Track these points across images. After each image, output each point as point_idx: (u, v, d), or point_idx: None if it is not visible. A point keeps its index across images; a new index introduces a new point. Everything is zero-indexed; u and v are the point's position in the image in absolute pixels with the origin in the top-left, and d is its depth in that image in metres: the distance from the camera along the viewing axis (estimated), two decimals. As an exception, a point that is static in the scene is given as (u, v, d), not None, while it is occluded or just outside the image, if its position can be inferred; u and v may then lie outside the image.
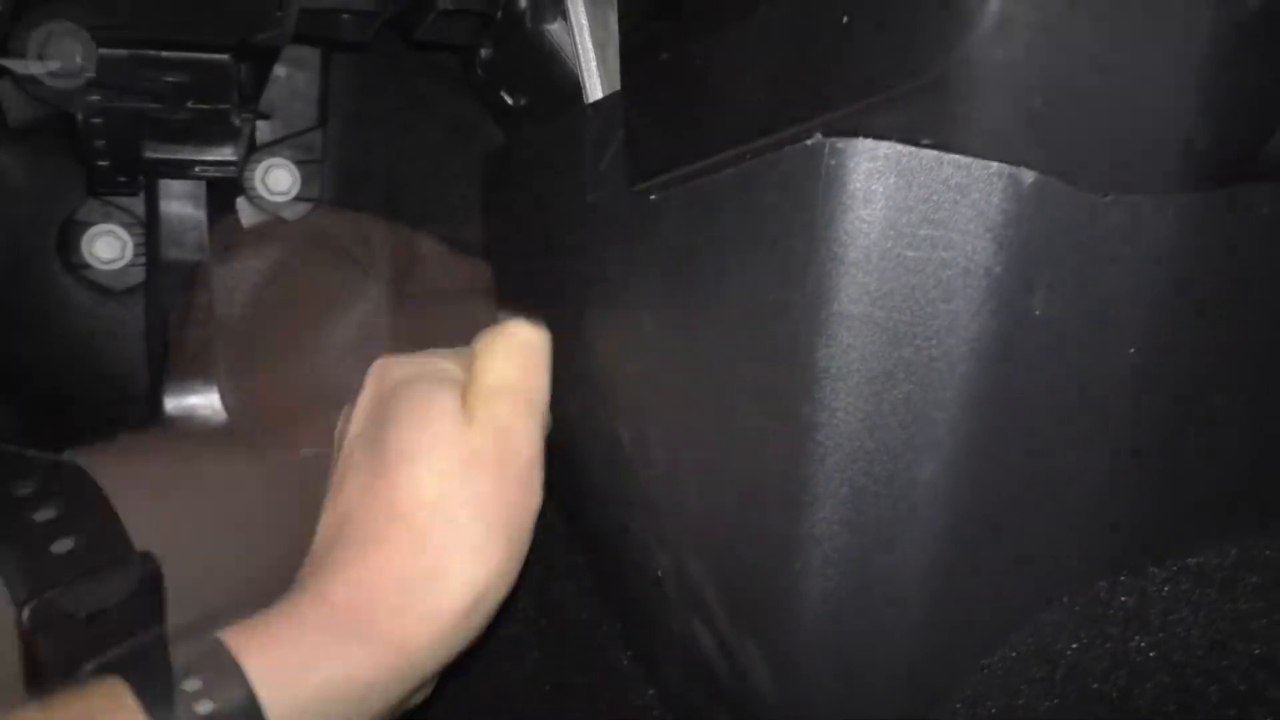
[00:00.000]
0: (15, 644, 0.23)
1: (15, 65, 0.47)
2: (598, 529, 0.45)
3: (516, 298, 0.50)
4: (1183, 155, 0.24)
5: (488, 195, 0.55)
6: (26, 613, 0.23)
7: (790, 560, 0.29)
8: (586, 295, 0.41)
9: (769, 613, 0.31)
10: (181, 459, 0.28)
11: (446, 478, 0.33)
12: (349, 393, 0.37)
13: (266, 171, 0.60)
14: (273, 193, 0.60)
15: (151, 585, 0.25)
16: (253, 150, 0.59)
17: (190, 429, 0.31)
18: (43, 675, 0.23)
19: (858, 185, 0.26)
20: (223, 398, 0.39)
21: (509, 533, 0.34)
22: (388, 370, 0.37)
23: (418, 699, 0.36)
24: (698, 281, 0.32)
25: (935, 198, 0.26)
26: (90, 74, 0.49)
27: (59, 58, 0.48)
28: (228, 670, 0.27)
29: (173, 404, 0.34)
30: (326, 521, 0.34)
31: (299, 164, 0.60)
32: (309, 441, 0.32)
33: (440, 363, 0.38)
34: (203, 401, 0.31)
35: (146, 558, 0.25)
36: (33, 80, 0.48)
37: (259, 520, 0.34)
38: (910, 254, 0.26)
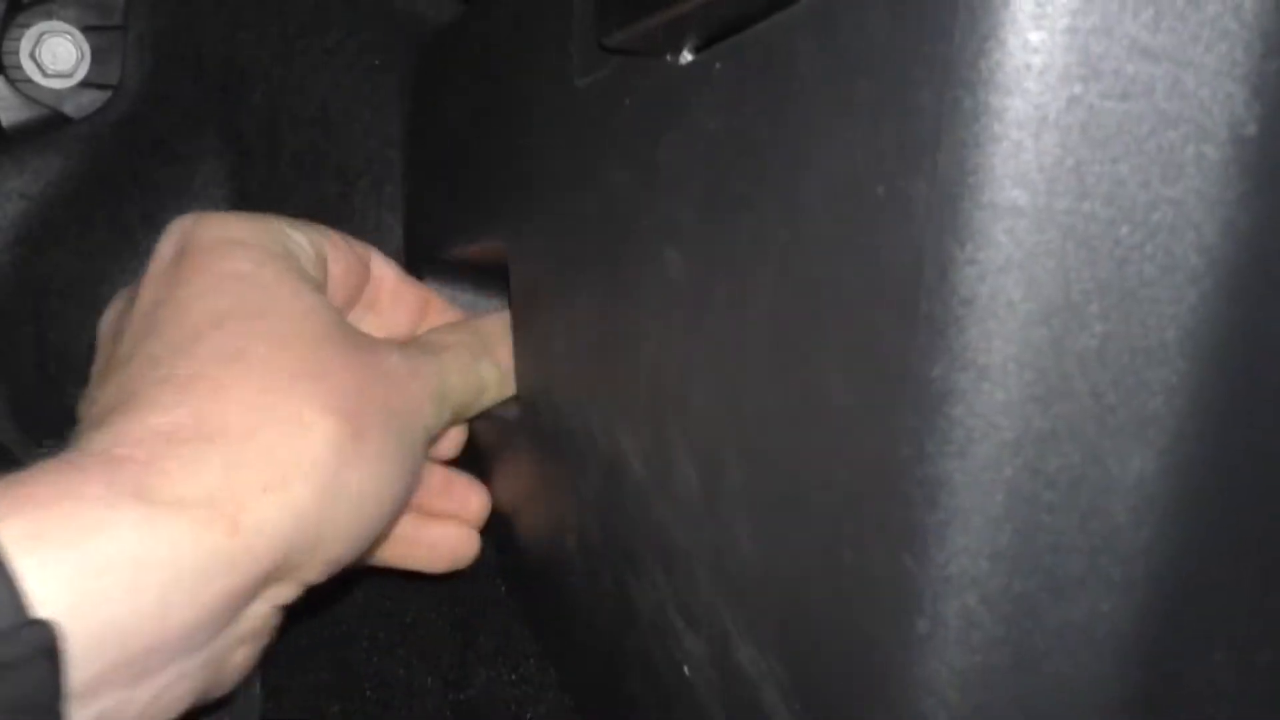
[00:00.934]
0: None
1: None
2: (566, 606, 0.40)
3: (455, 231, 0.46)
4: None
5: (417, 95, 0.49)
6: None
7: (913, 630, 0.21)
8: (570, 226, 0.36)
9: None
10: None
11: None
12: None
13: (38, 42, 0.51)
14: (48, 74, 0.51)
15: (46, 653, 0.25)
16: (16, 9, 0.50)
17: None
18: None
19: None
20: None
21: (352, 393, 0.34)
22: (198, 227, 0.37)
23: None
24: (755, 188, 0.25)
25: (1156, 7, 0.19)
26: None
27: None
28: None
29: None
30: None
31: (88, 31, 0.51)
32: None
33: (283, 231, 0.37)
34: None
35: (42, 624, 0.25)
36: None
37: None
38: (1112, 105, 0.20)
